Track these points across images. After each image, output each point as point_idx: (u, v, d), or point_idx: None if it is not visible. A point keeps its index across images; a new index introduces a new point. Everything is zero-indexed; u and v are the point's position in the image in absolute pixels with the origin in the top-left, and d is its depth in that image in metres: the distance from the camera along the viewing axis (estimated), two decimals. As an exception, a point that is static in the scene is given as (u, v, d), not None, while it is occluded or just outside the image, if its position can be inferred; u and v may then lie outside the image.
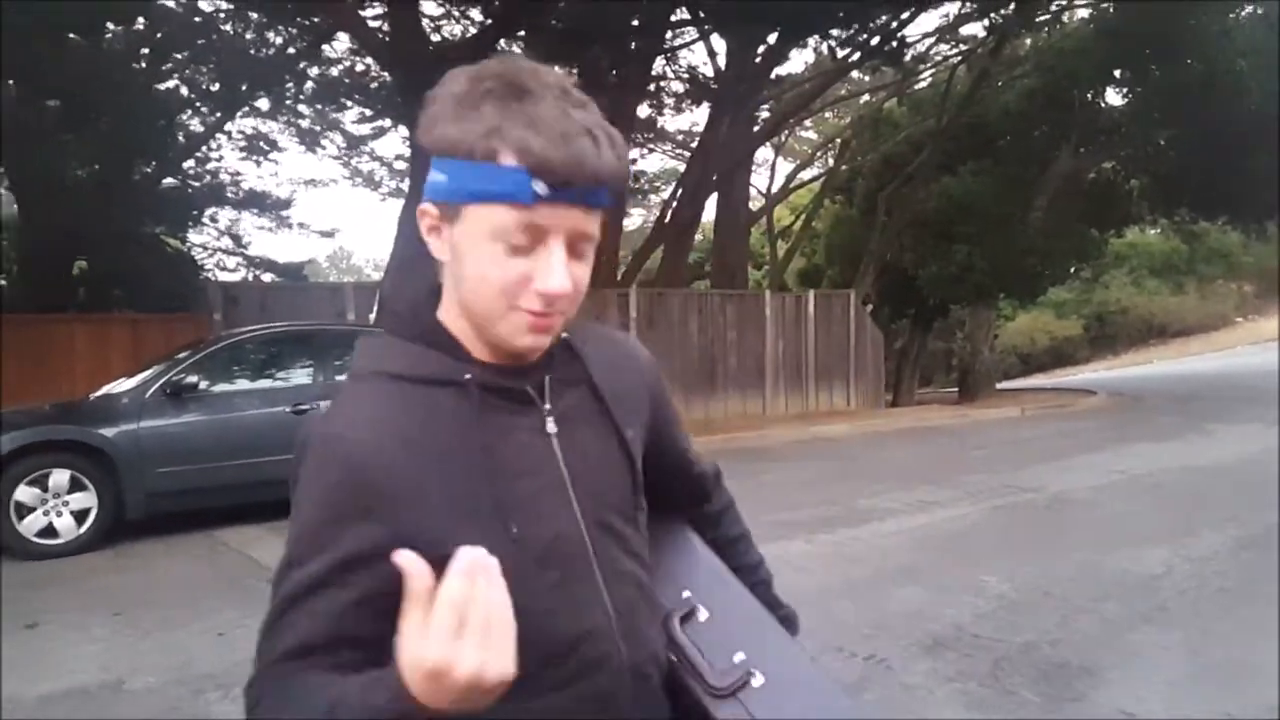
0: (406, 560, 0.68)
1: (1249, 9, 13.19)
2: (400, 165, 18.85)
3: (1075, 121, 15.88)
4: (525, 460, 0.88)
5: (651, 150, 19.75)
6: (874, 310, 17.12)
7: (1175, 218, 19.85)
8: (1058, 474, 8.05)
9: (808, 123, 23.56)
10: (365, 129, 17.39)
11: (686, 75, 15.25)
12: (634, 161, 19.37)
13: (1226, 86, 13.12)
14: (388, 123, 16.57)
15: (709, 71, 16.03)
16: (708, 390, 12.99)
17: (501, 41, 11.85)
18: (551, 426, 0.90)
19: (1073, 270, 21.20)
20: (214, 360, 6.83)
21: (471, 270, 0.83)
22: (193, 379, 6.51)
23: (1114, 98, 17.69)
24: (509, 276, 0.81)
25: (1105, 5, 15.86)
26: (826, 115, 23.03)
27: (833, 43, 14.03)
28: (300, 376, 7.08)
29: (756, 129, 16.79)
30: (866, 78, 19.26)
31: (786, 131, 20.71)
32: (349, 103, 15.57)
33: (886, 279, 17.73)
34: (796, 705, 0.95)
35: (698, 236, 25.59)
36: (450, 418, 0.85)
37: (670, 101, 15.89)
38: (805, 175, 22.62)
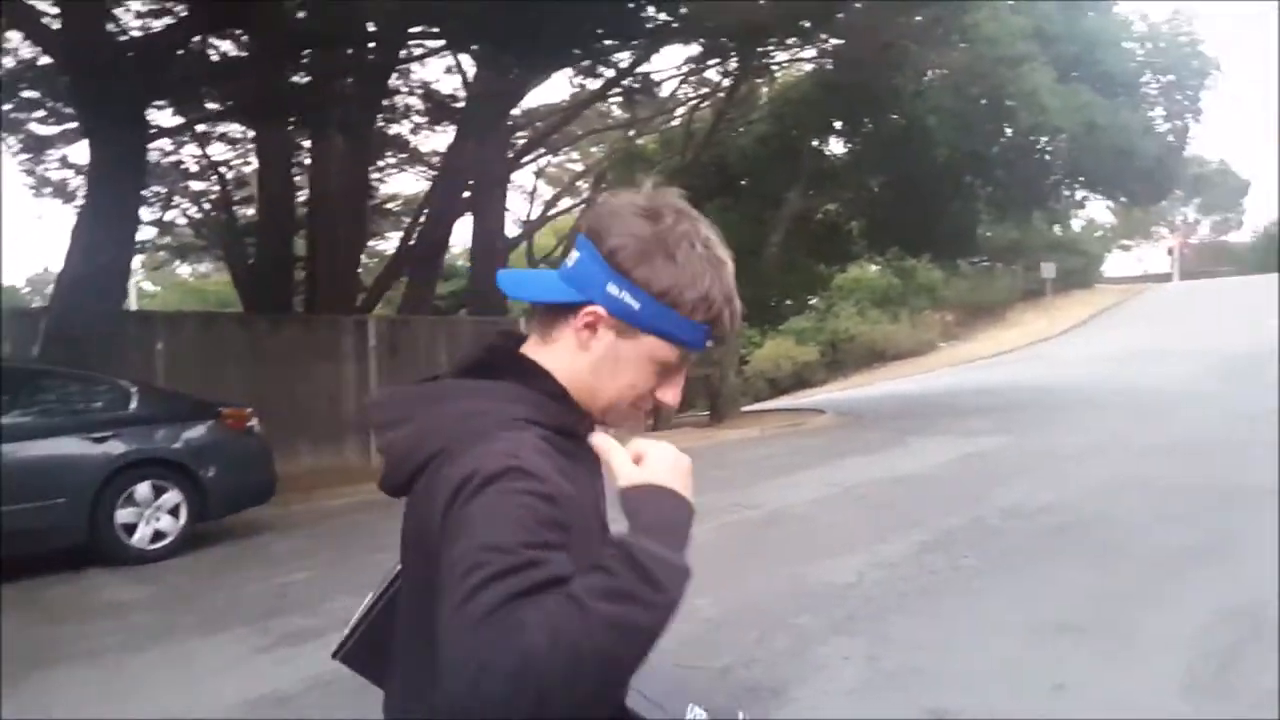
0: (601, 439, 1.00)
1: (932, 73, 15.04)
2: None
3: (803, 166, 17.31)
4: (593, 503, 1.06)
5: (402, 170, 19.08)
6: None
7: (888, 255, 22.23)
8: (780, 490, 8.57)
9: (575, 153, 23.93)
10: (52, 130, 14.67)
11: (422, 92, 14.80)
12: (382, 182, 18.63)
13: (920, 140, 14.84)
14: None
15: (453, 89, 15.78)
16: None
17: (198, 37, 10.79)
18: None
19: (810, 301, 23.08)
20: None
21: (624, 379, 1.03)
22: None
23: (837, 146, 19.60)
24: (647, 390, 1.05)
25: (824, 61, 17.48)
26: (593, 150, 23.51)
27: (576, 76, 14.31)
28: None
29: (511, 154, 16.77)
30: (621, 112, 19.86)
31: (548, 158, 20.86)
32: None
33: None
34: None
35: (464, 264, 25.27)
36: (579, 470, 1.00)
37: (414, 119, 15.38)
38: (571, 202, 22.99)
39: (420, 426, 0.99)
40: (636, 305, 0.99)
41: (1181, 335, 24.43)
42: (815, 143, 17.77)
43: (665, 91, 19.14)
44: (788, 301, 17.77)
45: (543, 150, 19.18)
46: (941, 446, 11.32)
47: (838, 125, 18.42)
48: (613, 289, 1.00)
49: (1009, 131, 15.75)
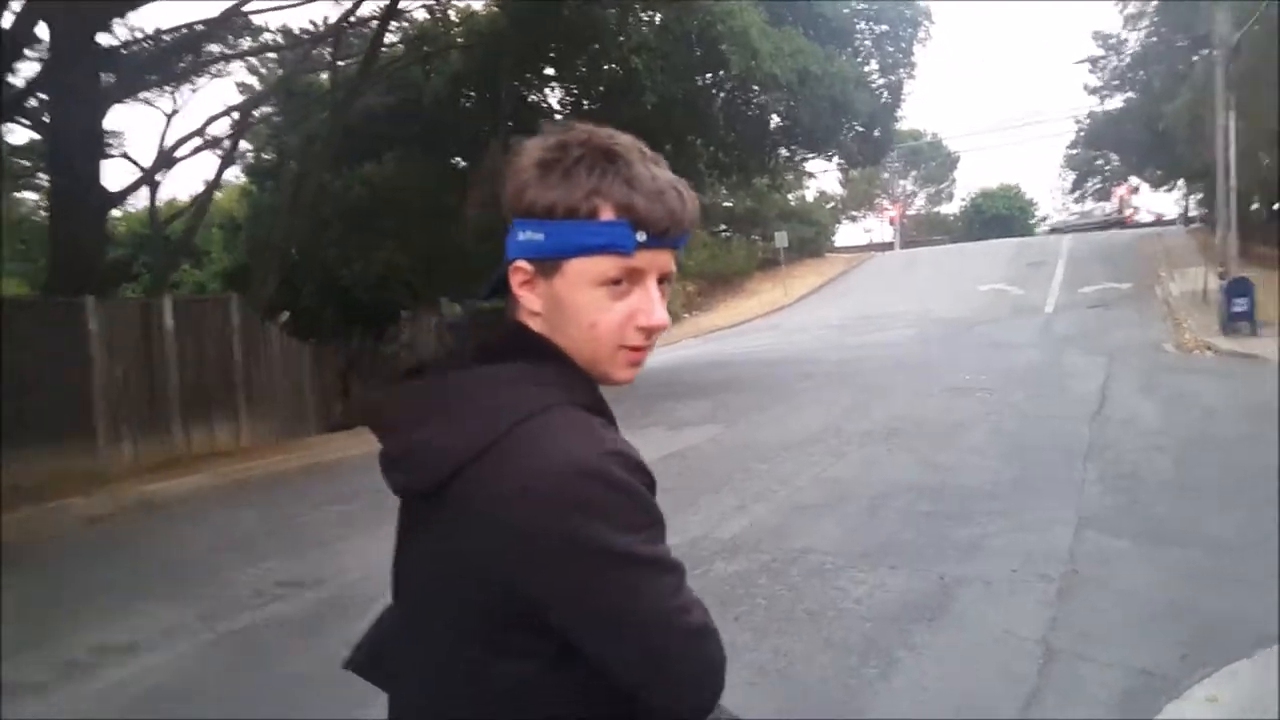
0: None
1: (638, 7, 13.26)
2: None
3: (503, 111, 14.98)
4: None
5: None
6: (297, 317, 14.52)
7: None
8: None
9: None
10: None
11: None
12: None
13: (628, 84, 13.04)
14: None
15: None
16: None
17: None
18: None
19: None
20: None
21: (579, 317, 0.94)
22: None
23: (556, 94, 17.48)
24: (615, 319, 0.94)
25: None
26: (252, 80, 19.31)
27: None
28: None
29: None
30: (279, 38, 16.26)
31: (174, 93, 16.55)
32: None
33: (323, 281, 15.25)
34: None
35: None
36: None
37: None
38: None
39: (453, 423, 0.91)
40: (541, 236, 0.93)
41: (901, 301, 25.04)
42: (518, 85, 15.46)
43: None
44: (484, 271, 15.43)
45: (170, 85, 15.34)
46: (645, 444, 9.49)
47: (550, 70, 16.36)
48: (519, 235, 0.95)
49: (726, 84, 14.39)
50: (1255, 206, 23.78)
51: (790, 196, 38.14)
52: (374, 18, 14.18)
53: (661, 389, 13.40)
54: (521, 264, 0.95)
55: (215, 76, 16.15)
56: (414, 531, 1.00)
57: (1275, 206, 23.91)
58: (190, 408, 10.99)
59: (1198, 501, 5.78)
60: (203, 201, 15.65)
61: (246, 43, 16.50)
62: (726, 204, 33.88)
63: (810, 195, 42.82)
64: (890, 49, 14.64)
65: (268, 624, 4.76)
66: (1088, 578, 4.51)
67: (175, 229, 16.01)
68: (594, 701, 0.93)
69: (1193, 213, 35.25)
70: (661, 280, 0.96)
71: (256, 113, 16.68)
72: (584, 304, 0.93)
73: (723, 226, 34.87)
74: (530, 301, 0.96)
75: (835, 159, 17.47)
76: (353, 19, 15.00)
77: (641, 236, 0.92)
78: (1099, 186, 48.73)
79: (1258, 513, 5.43)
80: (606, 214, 0.91)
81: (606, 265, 0.92)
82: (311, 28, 16.42)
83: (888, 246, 43.54)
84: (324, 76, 16.30)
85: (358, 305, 15.20)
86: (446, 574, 0.93)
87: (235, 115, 15.92)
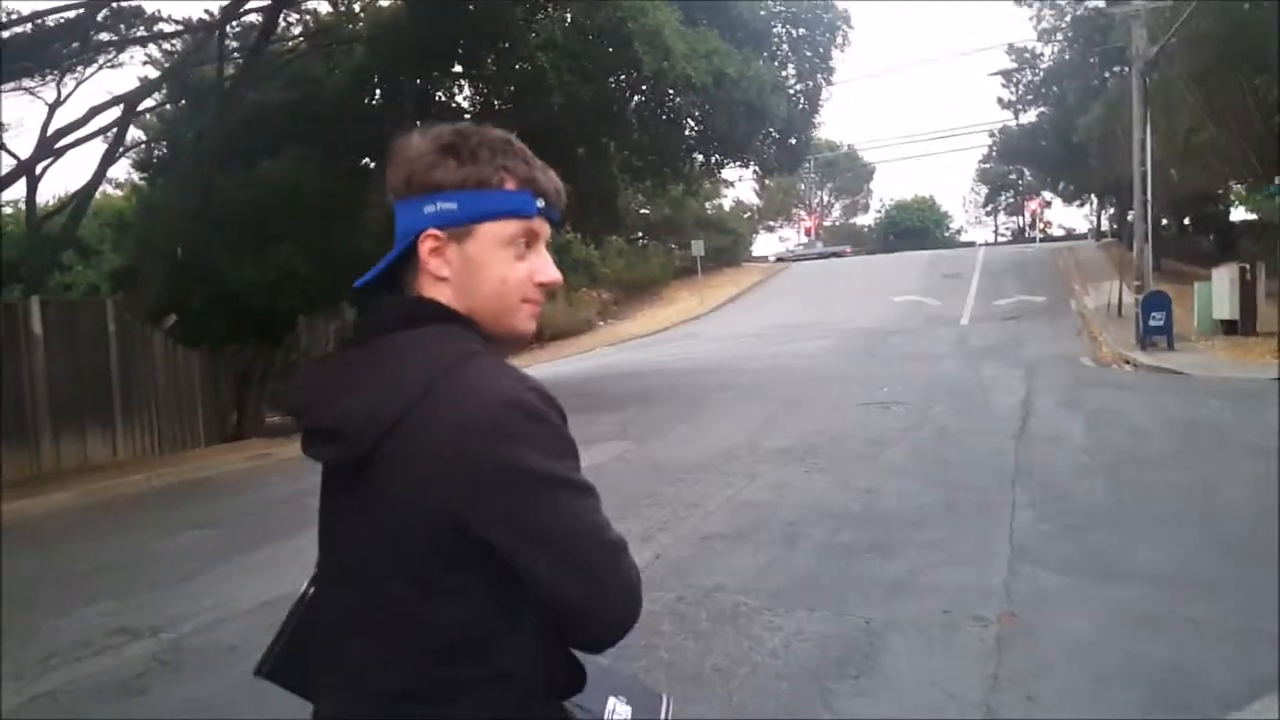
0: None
1: (558, 12, 12.54)
2: None
3: (406, 108, 14.05)
4: None
5: None
6: (187, 322, 13.27)
7: None
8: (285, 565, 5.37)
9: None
10: None
11: None
12: None
13: (536, 84, 12.31)
14: None
15: None
16: None
17: None
18: None
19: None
20: None
21: (490, 274, 1.05)
22: None
23: (462, 91, 16.60)
24: (520, 274, 1.06)
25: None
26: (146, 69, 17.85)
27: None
28: None
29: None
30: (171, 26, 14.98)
31: (59, 83, 15.20)
32: None
33: (214, 285, 13.98)
34: None
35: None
36: None
37: None
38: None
39: (380, 386, 0.98)
40: (454, 205, 1.03)
41: (817, 311, 24.91)
42: (424, 82, 14.51)
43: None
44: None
45: (52, 73, 13.98)
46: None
47: (459, 68, 15.48)
48: (429, 208, 1.03)
49: (640, 86, 13.78)
50: (1165, 222, 24.40)
51: (708, 205, 37.96)
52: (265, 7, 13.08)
53: (572, 401, 12.50)
54: (434, 231, 1.04)
55: (110, 67, 14.79)
56: (343, 500, 1.04)
57: (1185, 221, 24.63)
58: (61, 419, 9.94)
59: (1134, 530, 5.36)
60: (83, 197, 14.25)
61: (141, 31, 15.21)
62: (644, 211, 33.42)
63: (728, 204, 42.81)
64: (808, 53, 14.27)
65: (84, 684, 3.90)
66: (1028, 623, 3.97)
67: (54, 225, 14.53)
68: (536, 653, 1.02)
69: (1103, 226, 36.33)
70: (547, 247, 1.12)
71: (151, 104, 15.33)
72: (494, 262, 1.05)
73: (640, 234, 34.40)
74: (438, 267, 1.05)
75: (752, 166, 17.05)
76: (245, 9, 13.87)
77: (540, 204, 1.07)
78: (1011, 200, 50.14)
79: (1199, 544, 5.03)
80: (511, 185, 1.05)
81: (513, 228, 1.06)
82: (206, 16, 15.21)
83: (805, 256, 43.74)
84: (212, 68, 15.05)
85: (250, 311, 13.98)
86: (384, 529, 0.99)
87: (121, 107, 14.54)
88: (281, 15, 16.26)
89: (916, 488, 6.54)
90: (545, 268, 1.08)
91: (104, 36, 14.68)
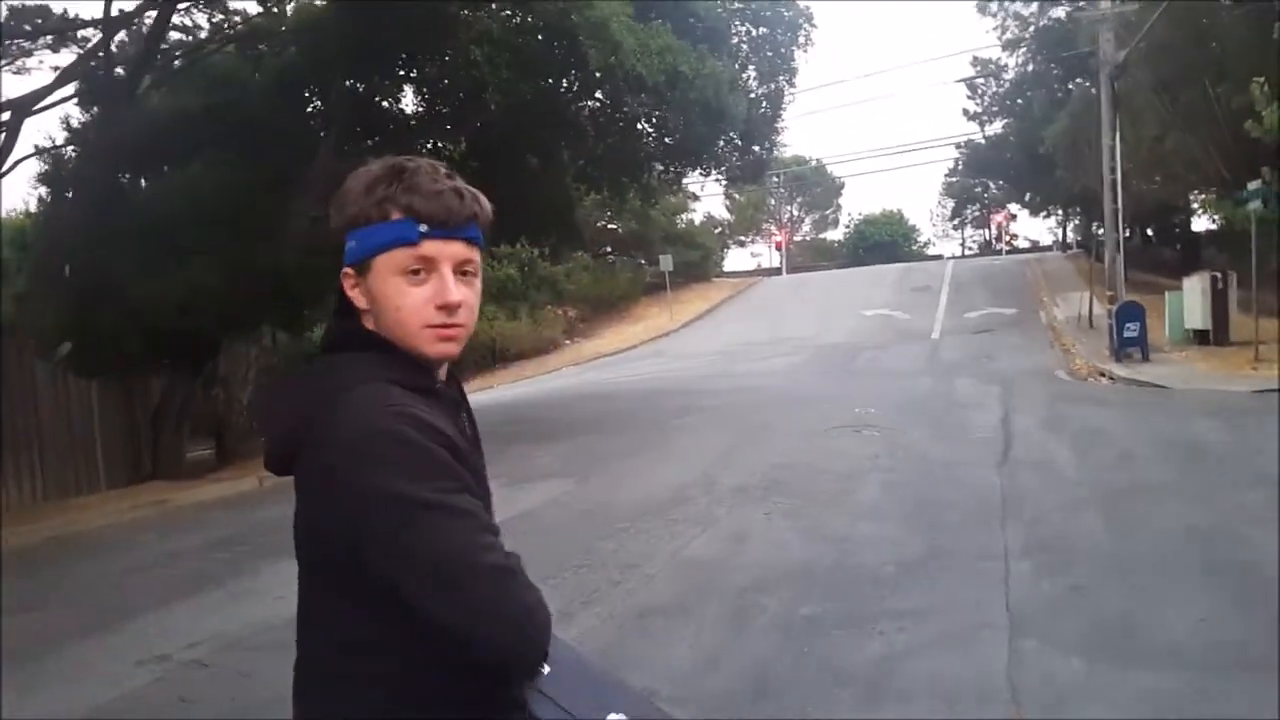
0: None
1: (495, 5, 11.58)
2: None
3: (334, 112, 13.04)
4: (467, 442, 1.15)
5: None
6: (87, 350, 12.10)
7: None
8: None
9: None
10: None
11: None
12: None
13: (476, 85, 11.35)
14: None
15: None
16: None
17: None
18: (468, 427, 1.21)
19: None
20: None
21: (387, 304, 1.11)
22: None
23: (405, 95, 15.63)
24: (415, 301, 1.10)
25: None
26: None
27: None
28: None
29: None
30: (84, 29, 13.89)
31: None
32: None
33: (119, 307, 12.79)
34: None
35: None
36: (437, 411, 1.11)
37: None
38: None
39: (292, 402, 1.14)
40: (353, 243, 1.12)
41: (787, 326, 24.15)
42: (357, 84, 13.46)
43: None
44: (330, 295, 13.40)
45: None
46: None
47: (402, 71, 14.51)
48: (349, 244, 1.13)
49: (594, 90, 12.89)
50: (1128, 233, 23.97)
51: (677, 219, 37.16)
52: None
53: (519, 428, 11.68)
54: (348, 270, 1.14)
55: (15, 72, 13.70)
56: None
57: (1149, 232, 24.21)
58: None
59: (1151, 588, 4.47)
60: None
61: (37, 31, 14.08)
62: (611, 226, 32.53)
63: (697, 219, 42.05)
64: (769, 53, 13.45)
65: None
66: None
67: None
68: (431, 660, 1.06)
69: (1070, 238, 36.02)
70: (465, 270, 1.13)
71: (58, 110, 14.21)
72: (390, 292, 1.11)
73: (607, 249, 33.50)
74: (357, 299, 1.14)
75: (714, 174, 16.22)
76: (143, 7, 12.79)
77: (423, 228, 1.09)
78: (978, 213, 49.92)
79: (1230, 605, 4.15)
80: (395, 215, 1.10)
81: (401, 256, 1.10)
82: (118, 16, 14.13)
83: (775, 272, 43.09)
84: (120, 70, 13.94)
85: (160, 334, 12.72)
86: (304, 534, 1.11)
87: (6, 114, 13.37)
88: (207, 16, 15.34)
89: (894, 534, 5.63)
90: (443, 290, 1.11)
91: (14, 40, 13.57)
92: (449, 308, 1.10)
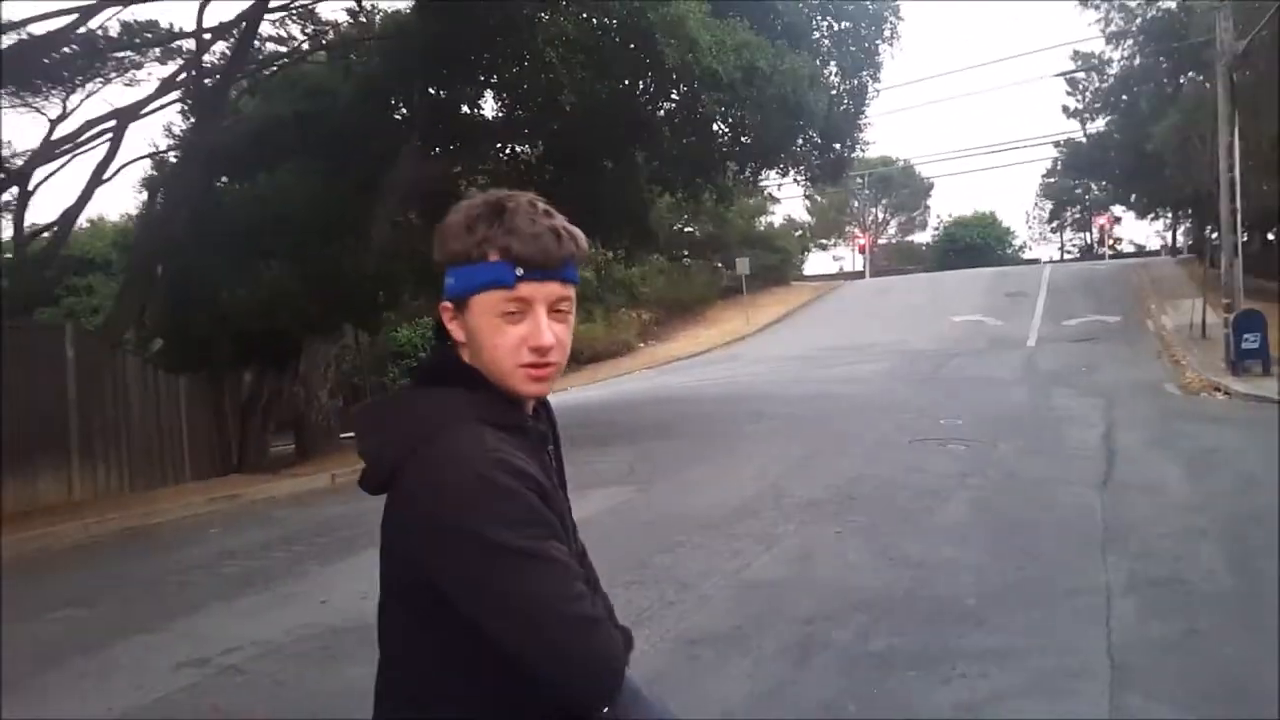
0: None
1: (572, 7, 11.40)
2: None
3: (415, 118, 13.08)
4: (553, 483, 1.18)
5: None
6: (178, 348, 12.46)
7: None
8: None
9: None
10: None
11: None
12: None
13: (548, 85, 11.18)
14: None
15: None
16: None
17: None
18: (553, 463, 1.26)
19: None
20: None
21: (484, 341, 1.14)
22: None
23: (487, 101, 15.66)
24: (510, 341, 1.13)
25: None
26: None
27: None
28: None
29: None
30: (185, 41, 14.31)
31: (65, 98, 14.60)
32: None
33: (209, 308, 13.15)
34: None
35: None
36: (527, 452, 1.14)
37: None
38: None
39: (392, 430, 1.16)
40: (452, 280, 1.15)
41: (870, 332, 23.37)
42: (438, 90, 13.49)
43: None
44: (405, 296, 13.51)
45: (55, 87, 13.35)
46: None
47: (483, 77, 14.51)
48: (449, 280, 1.16)
49: (670, 91, 12.58)
50: (1246, 238, 22.36)
51: (756, 222, 36.54)
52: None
53: (587, 432, 11.43)
54: (446, 304, 1.18)
55: (127, 85, 14.22)
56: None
57: (1270, 236, 22.54)
58: (13, 455, 8.94)
59: (1278, 630, 3.89)
60: (70, 215, 13.58)
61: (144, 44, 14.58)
62: (688, 229, 32.15)
63: (777, 221, 41.31)
64: (852, 48, 12.89)
65: None
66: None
67: (35, 247, 13.89)
68: (507, 683, 1.09)
69: (1179, 243, 34.00)
70: (560, 308, 1.16)
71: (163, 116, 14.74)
72: (486, 330, 1.14)
73: (683, 252, 33.12)
74: (456, 332, 1.18)
75: (793, 174, 15.70)
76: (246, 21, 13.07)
77: (520, 272, 1.12)
78: (1078, 215, 47.69)
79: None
80: (494, 257, 1.13)
81: (497, 298, 1.13)
82: (214, 27, 14.53)
83: (858, 276, 41.97)
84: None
85: (247, 334, 13.06)
86: (392, 557, 1.16)
87: (115, 122, 13.88)
88: (300, 28, 15.67)
89: (979, 560, 5.14)
90: (536, 333, 1.13)
91: (124, 53, 14.09)
92: (542, 350, 1.13)
